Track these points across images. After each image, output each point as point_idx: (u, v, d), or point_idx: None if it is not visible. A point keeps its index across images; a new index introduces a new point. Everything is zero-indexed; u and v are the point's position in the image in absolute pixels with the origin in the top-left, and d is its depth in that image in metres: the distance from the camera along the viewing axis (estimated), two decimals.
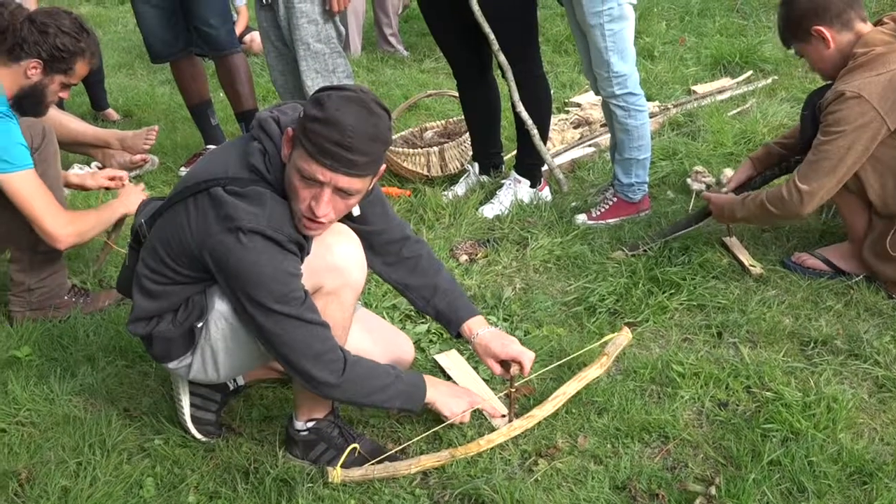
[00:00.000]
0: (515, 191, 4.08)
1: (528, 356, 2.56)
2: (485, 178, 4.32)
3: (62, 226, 3.08)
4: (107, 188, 3.65)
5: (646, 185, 3.89)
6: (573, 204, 4.07)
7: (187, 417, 2.60)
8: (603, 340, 2.90)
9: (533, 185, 4.10)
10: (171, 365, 2.46)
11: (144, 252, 2.40)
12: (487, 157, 4.34)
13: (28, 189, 3.02)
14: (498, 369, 2.58)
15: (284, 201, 2.21)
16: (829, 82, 3.17)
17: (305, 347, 2.21)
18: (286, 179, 2.20)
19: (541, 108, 4.03)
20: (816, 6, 3.08)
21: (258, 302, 2.17)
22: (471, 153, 4.43)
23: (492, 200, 4.10)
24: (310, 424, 2.50)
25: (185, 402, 2.60)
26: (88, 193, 4.20)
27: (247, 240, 2.13)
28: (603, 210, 3.88)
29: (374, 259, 2.56)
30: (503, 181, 4.19)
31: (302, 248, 2.22)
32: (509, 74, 3.91)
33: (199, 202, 2.22)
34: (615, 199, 3.88)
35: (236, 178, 2.19)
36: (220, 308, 2.31)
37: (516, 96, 3.94)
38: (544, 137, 4.08)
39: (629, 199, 3.86)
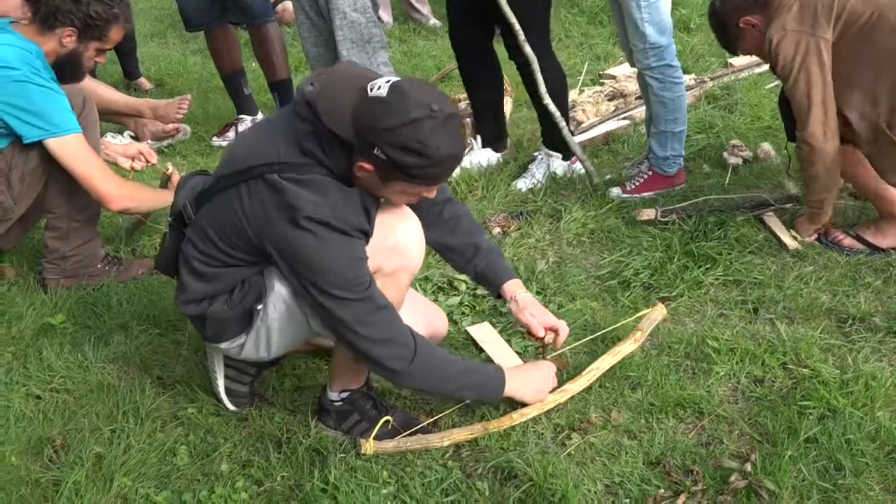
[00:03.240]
0: (548, 164, 4.04)
1: (563, 324, 2.57)
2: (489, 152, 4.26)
3: (115, 187, 3.13)
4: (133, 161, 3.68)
5: (681, 159, 3.84)
6: (608, 177, 4.02)
7: (221, 390, 2.61)
8: (637, 316, 2.87)
9: (566, 158, 4.05)
10: (224, 345, 2.44)
11: (192, 234, 2.36)
12: (491, 132, 4.28)
13: (81, 152, 3.07)
14: (535, 325, 2.55)
15: (348, 188, 2.18)
16: None
17: (375, 333, 2.20)
18: (373, 189, 2.22)
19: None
20: (735, 3, 3.15)
21: (325, 291, 2.16)
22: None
23: (524, 174, 4.07)
24: (344, 395, 2.50)
25: (220, 375, 2.59)
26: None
27: (313, 229, 2.11)
28: (638, 183, 3.83)
29: None
30: (535, 154, 4.15)
31: (366, 234, 2.21)
32: (535, 66, 3.76)
33: (253, 188, 2.18)
34: (650, 173, 3.83)
35: (290, 164, 2.15)
36: (279, 290, 2.29)
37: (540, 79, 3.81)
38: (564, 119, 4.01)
39: (664, 172, 3.81)
